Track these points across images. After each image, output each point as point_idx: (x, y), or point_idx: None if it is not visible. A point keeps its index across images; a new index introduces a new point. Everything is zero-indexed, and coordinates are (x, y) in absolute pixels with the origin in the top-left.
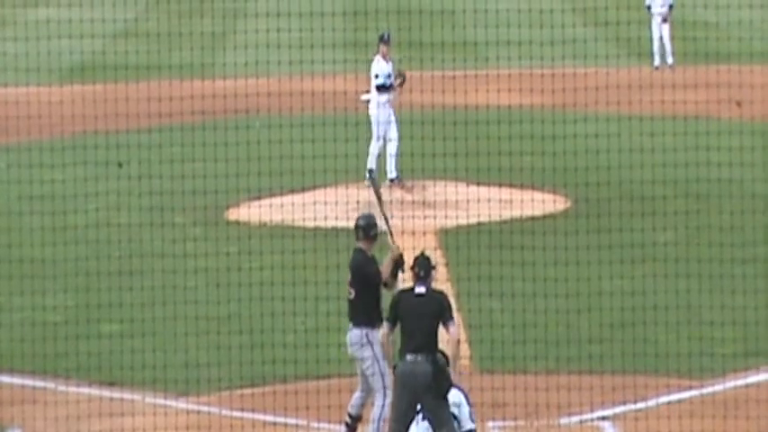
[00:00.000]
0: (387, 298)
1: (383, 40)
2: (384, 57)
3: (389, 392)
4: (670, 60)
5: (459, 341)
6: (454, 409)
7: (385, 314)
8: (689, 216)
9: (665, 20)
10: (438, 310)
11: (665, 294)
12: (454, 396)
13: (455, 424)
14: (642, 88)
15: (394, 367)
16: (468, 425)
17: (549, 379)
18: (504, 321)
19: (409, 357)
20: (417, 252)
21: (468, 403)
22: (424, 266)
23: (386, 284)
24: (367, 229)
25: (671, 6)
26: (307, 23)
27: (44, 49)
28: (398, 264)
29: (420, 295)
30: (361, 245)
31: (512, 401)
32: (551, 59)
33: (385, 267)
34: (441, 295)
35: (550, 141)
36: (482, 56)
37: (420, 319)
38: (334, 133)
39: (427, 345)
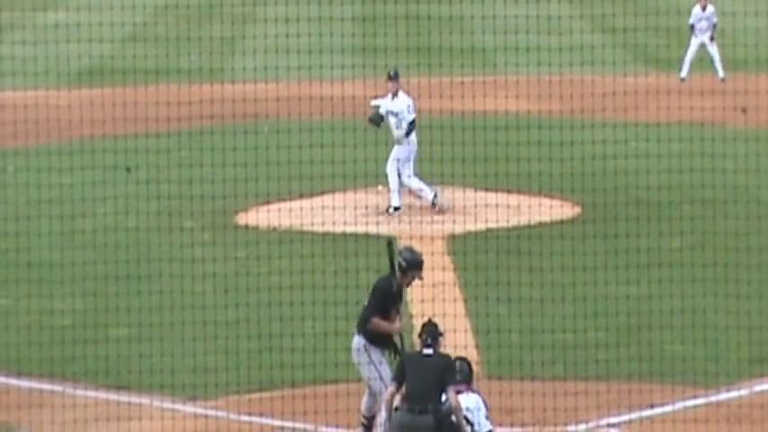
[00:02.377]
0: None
1: (389, 77)
2: (393, 94)
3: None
4: (721, 73)
5: (458, 408)
6: (468, 414)
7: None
8: (696, 221)
9: (711, 38)
10: (442, 370)
11: (671, 299)
12: (470, 400)
13: (468, 429)
14: (650, 95)
15: (395, 409)
16: (486, 427)
17: (557, 384)
18: (512, 326)
19: (410, 408)
20: (427, 318)
21: (486, 407)
22: (431, 334)
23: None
24: (405, 270)
25: (714, 26)
26: (317, 29)
27: (54, 53)
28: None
29: (427, 356)
30: (398, 275)
31: (520, 407)
32: (559, 66)
33: (384, 327)
34: (447, 358)
35: (559, 147)
36: (491, 62)
37: (424, 377)
38: (343, 138)
39: (429, 400)
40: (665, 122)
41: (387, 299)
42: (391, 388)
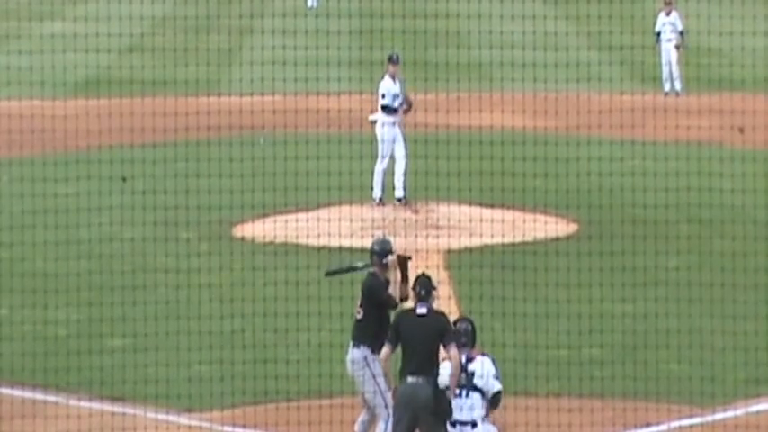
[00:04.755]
0: None
1: (391, 60)
2: (392, 77)
3: (392, 410)
4: (678, 87)
5: (459, 362)
6: (478, 380)
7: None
8: (693, 241)
9: (676, 47)
10: (439, 331)
11: (667, 318)
12: (479, 365)
13: (479, 394)
14: (647, 113)
15: (394, 389)
16: (495, 387)
17: (552, 400)
18: (507, 341)
19: (410, 379)
20: (420, 272)
21: (495, 368)
22: (425, 285)
23: (397, 302)
24: (381, 254)
25: (681, 33)
26: (315, 42)
27: (51, 63)
28: (403, 263)
29: (421, 316)
30: (375, 269)
31: (514, 422)
32: (556, 82)
33: (394, 279)
34: (442, 317)
35: (555, 164)
36: (489, 77)
37: (421, 340)
38: (338, 151)
39: (427, 366)
40: (662, 141)
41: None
42: (386, 349)
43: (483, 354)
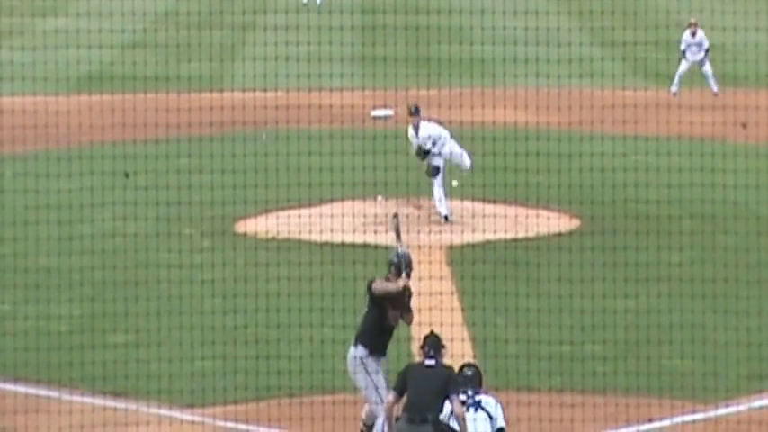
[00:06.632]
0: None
1: (411, 112)
2: (415, 127)
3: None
4: (715, 89)
5: (463, 415)
6: (490, 409)
7: (392, 384)
8: (696, 236)
9: (701, 63)
10: (445, 382)
11: (670, 314)
12: (489, 399)
13: (488, 421)
14: (649, 108)
15: (396, 419)
16: (501, 423)
17: (554, 396)
18: (510, 337)
19: (410, 418)
20: (429, 330)
21: (500, 404)
22: (433, 345)
23: (401, 313)
24: (399, 266)
25: (707, 51)
26: (317, 37)
27: (54, 59)
28: (404, 293)
29: (429, 367)
30: (390, 277)
31: (516, 417)
32: (559, 78)
33: (390, 283)
34: (449, 370)
35: (558, 159)
36: (491, 73)
37: (427, 388)
38: (341, 147)
39: (429, 410)
40: (665, 136)
41: (385, 301)
42: (390, 397)
43: (490, 394)
